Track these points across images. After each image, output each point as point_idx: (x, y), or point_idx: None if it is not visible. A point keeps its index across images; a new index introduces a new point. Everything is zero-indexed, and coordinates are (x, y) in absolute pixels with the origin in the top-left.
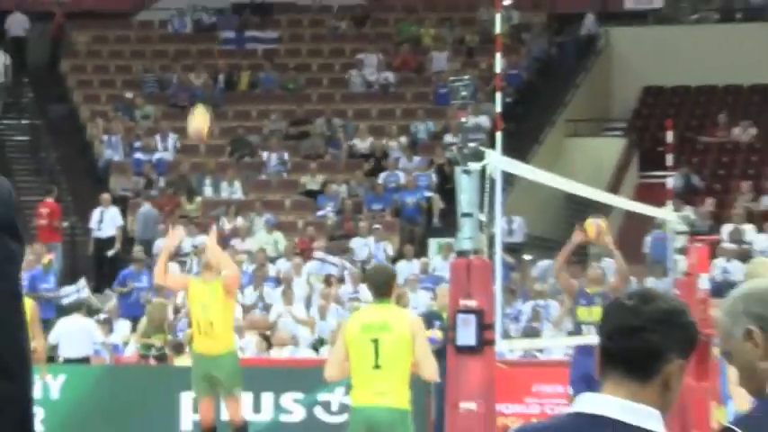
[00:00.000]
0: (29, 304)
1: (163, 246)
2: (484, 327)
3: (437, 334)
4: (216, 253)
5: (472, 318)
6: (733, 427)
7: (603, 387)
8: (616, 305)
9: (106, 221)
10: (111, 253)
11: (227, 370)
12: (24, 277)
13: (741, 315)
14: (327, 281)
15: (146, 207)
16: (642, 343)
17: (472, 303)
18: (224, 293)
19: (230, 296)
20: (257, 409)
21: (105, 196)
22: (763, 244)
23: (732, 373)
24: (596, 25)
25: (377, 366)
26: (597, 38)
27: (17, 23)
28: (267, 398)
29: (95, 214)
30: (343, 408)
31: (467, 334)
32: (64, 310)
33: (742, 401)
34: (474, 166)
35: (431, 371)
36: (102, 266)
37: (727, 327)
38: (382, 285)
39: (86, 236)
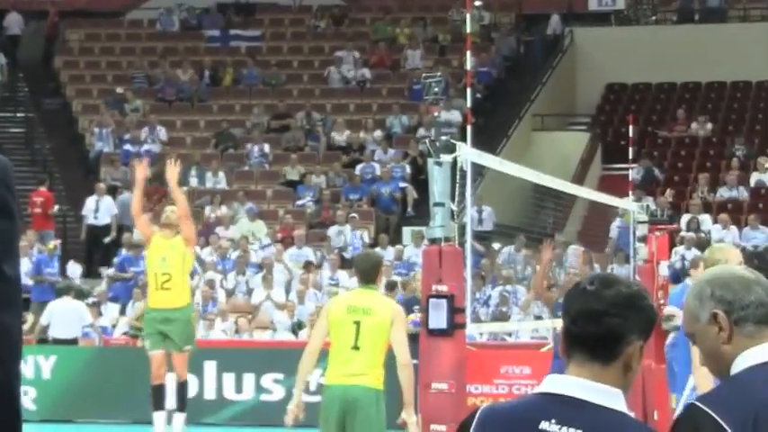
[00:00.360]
0: None
1: (137, 178)
2: (455, 311)
3: (421, 317)
4: (177, 193)
5: (443, 302)
6: (698, 403)
7: (568, 368)
8: (578, 290)
9: (102, 210)
10: (107, 240)
11: (180, 325)
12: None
13: (708, 299)
14: (306, 267)
15: (125, 195)
16: (604, 326)
17: (443, 288)
18: (184, 245)
19: (190, 246)
20: (239, 389)
21: (101, 186)
22: (719, 233)
23: (696, 354)
24: (561, 25)
25: (356, 347)
26: (562, 37)
27: (14, 23)
28: (249, 378)
29: (90, 203)
30: (322, 387)
31: (438, 317)
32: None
33: (705, 381)
34: (446, 158)
35: (404, 358)
36: (94, 252)
37: (694, 309)
38: (369, 271)
39: (77, 223)
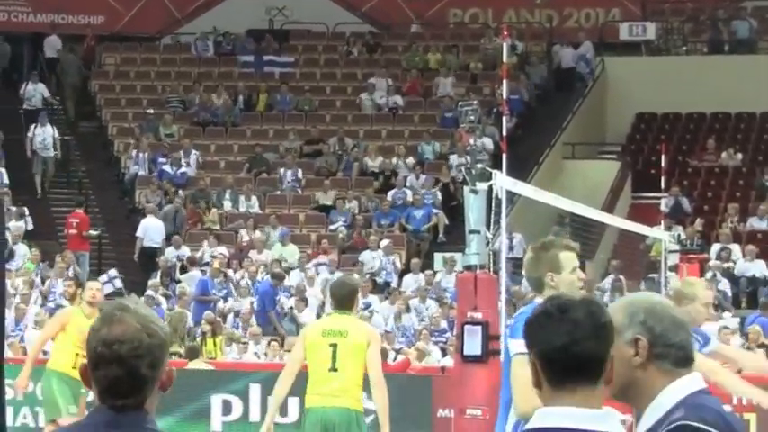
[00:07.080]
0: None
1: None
2: (489, 337)
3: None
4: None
5: (478, 329)
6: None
7: (559, 399)
8: (542, 319)
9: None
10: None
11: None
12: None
13: (638, 323)
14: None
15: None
16: (585, 350)
17: (479, 315)
18: None
19: None
20: (284, 412)
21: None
22: (744, 264)
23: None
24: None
25: (333, 369)
26: (573, 70)
27: (52, 46)
28: (293, 402)
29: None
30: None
31: (473, 344)
32: None
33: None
34: (481, 186)
35: (377, 377)
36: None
37: (620, 326)
38: (345, 298)
39: (111, 245)
